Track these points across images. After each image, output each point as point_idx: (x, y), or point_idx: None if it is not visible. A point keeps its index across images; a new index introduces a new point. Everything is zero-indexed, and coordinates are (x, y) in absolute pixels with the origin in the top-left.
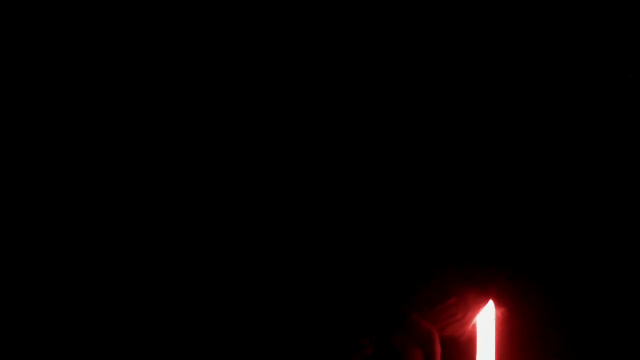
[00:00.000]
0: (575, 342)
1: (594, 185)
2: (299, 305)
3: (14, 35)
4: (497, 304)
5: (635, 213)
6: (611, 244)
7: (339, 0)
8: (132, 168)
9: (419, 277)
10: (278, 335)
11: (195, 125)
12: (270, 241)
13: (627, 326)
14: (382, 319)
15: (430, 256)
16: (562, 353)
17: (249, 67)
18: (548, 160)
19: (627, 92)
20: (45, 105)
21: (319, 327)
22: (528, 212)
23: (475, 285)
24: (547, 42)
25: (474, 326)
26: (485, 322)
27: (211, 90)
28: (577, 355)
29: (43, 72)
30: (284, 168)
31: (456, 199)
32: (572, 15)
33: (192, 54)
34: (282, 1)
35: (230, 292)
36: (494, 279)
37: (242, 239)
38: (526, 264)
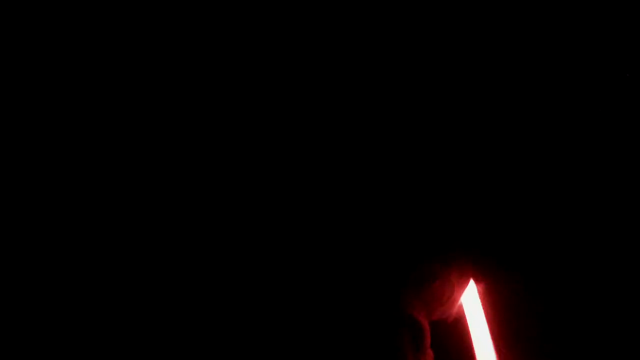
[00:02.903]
0: (560, 313)
1: (578, 174)
2: (298, 305)
3: (14, 35)
4: (477, 282)
5: (623, 203)
6: (591, 228)
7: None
8: (132, 168)
9: (405, 264)
10: (277, 334)
11: (195, 125)
12: (268, 240)
13: (607, 305)
14: (372, 308)
15: (414, 243)
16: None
17: (249, 67)
18: (530, 150)
19: (625, 91)
20: (45, 105)
21: (316, 325)
22: (508, 199)
23: (456, 267)
24: (546, 42)
25: (461, 307)
26: (470, 300)
27: (211, 91)
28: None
29: (43, 72)
30: (282, 168)
31: (437, 186)
32: (571, 16)
33: (192, 54)
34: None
35: (230, 292)
36: (474, 260)
37: (241, 239)
38: (504, 245)
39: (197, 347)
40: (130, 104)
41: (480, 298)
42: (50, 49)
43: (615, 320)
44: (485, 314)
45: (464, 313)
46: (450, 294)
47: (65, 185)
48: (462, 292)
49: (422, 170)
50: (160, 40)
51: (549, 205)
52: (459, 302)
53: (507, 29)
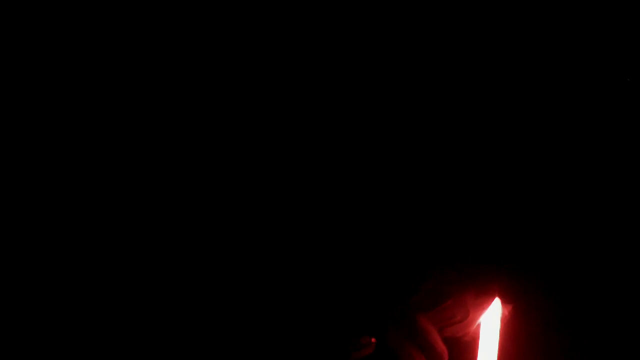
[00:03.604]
0: (582, 344)
1: (599, 183)
2: (298, 305)
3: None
4: (503, 304)
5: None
6: (618, 241)
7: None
8: (132, 168)
9: (418, 277)
10: (277, 335)
11: (195, 125)
12: (268, 241)
13: (634, 328)
14: (381, 319)
15: (430, 255)
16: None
17: (249, 67)
18: (552, 157)
19: (626, 95)
20: (45, 105)
21: (317, 327)
22: (531, 210)
23: (476, 286)
24: (546, 44)
25: (478, 327)
26: (490, 322)
27: (211, 91)
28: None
29: (43, 72)
30: (282, 168)
31: (457, 196)
32: (571, 18)
33: (192, 54)
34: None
35: (227, 291)
36: (498, 279)
37: (240, 239)
38: (531, 262)
39: (197, 347)
40: (129, 103)
41: (502, 322)
42: (50, 49)
43: None
44: (502, 339)
45: (479, 336)
46: (464, 315)
47: (64, 185)
48: (482, 312)
49: (440, 178)
50: (160, 40)
51: (588, 219)
52: (477, 323)
53: (507, 30)
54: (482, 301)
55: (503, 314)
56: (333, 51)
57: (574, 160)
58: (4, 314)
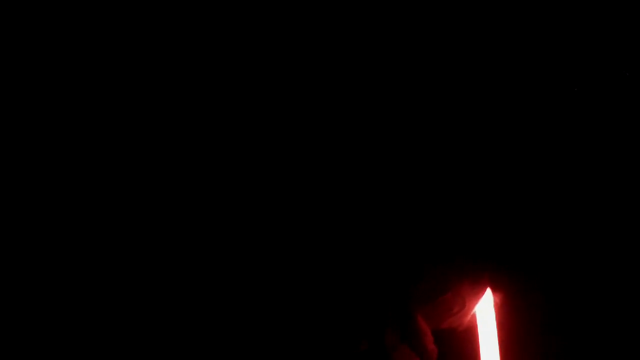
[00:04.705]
0: (576, 333)
1: (591, 179)
2: (293, 304)
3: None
4: (494, 292)
5: (636, 209)
6: (609, 234)
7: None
8: (132, 168)
9: (413, 273)
10: (272, 334)
11: (195, 125)
12: (264, 240)
13: (624, 313)
14: (376, 316)
15: (424, 251)
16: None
17: (249, 67)
18: (545, 154)
19: (625, 90)
20: (45, 106)
21: (313, 325)
22: (522, 205)
23: (470, 277)
24: (545, 41)
25: (473, 316)
26: (484, 311)
27: (211, 91)
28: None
29: (43, 72)
30: (281, 167)
31: (449, 193)
32: (570, 15)
33: (192, 54)
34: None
35: (228, 292)
36: (490, 270)
37: (239, 239)
38: (522, 253)
39: (197, 347)
40: (130, 104)
41: (495, 309)
42: (50, 49)
43: None
44: (498, 325)
45: (476, 323)
46: (462, 306)
47: (64, 185)
48: (476, 302)
49: (437, 175)
50: (160, 40)
51: (575, 215)
52: (472, 312)
53: (506, 29)
54: (477, 292)
55: (495, 302)
56: (333, 52)
57: (567, 160)
58: (4, 314)
